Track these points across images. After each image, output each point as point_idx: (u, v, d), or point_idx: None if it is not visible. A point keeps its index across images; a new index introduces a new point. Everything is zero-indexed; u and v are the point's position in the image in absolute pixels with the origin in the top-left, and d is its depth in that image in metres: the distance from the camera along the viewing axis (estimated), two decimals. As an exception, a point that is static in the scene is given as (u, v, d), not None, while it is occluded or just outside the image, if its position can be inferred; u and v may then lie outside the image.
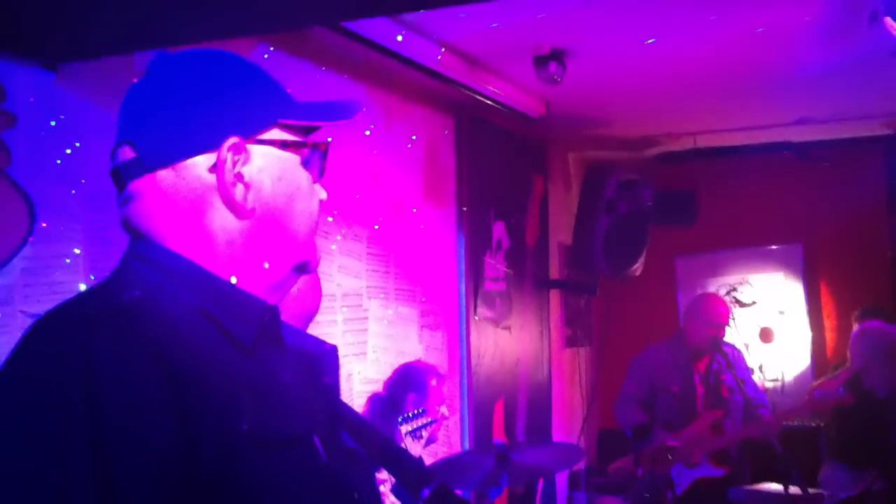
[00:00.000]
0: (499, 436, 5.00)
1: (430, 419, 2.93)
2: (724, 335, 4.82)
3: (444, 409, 3.61)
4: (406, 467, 1.36)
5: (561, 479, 5.91)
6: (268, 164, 1.20)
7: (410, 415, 2.91)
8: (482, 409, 4.92)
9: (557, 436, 5.90)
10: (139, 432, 0.99)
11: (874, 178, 5.84)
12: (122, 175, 1.18)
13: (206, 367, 1.08)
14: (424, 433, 2.88)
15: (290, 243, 1.22)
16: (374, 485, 1.35)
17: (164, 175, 1.16)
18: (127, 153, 1.18)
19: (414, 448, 2.79)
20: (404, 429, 2.82)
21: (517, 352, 5.42)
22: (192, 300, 1.14)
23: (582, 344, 6.47)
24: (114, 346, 1.02)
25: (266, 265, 1.20)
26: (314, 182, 1.27)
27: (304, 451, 1.17)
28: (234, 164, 1.17)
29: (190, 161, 1.16)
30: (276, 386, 1.18)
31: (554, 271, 6.06)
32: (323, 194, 1.30)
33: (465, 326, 4.87)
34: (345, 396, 3.92)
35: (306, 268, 1.26)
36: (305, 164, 1.24)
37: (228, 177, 1.16)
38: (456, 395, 4.80)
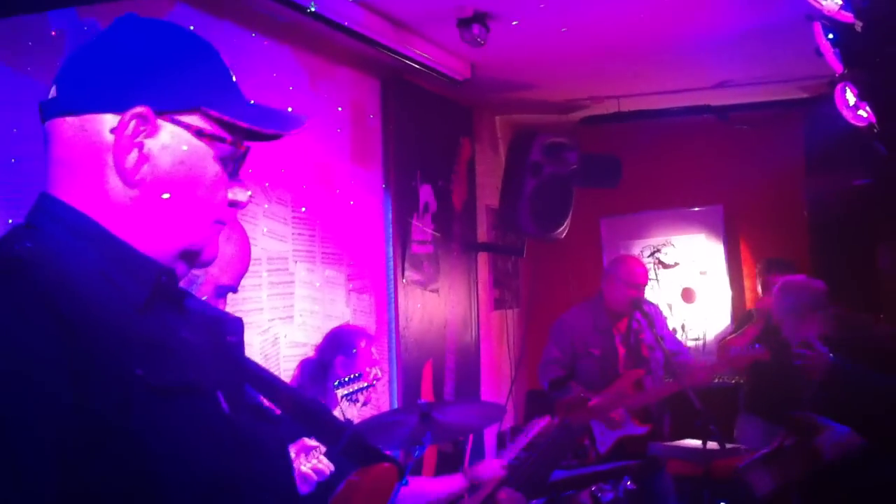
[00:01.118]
0: (427, 397, 5.04)
1: (365, 383, 2.94)
2: (642, 295, 4.92)
3: (376, 371, 3.63)
4: (319, 421, 1.38)
5: (490, 439, 6.00)
6: (174, 144, 1.20)
7: (346, 379, 2.91)
8: (410, 371, 4.96)
9: (486, 397, 5.98)
10: (28, 378, 0.99)
11: (792, 141, 6.00)
12: (42, 112, 1.20)
13: (99, 319, 1.08)
14: (361, 396, 2.89)
15: (178, 228, 1.22)
16: (282, 442, 1.36)
17: (71, 123, 1.17)
18: (52, 92, 1.20)
19: (350, 411, 2.80)
20: (340, 392, 2.83)
21: (445, 314, 5.46)
22: (88, 256, 1.15)
23: (510, 306, 6.55)
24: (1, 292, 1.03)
25: (151, 241, 1.20)
26: (226, 178, 1.27)
27: (204, 402, 1.18)
28: (137, 133, 1.17)
29: (97, 117, 1.17)
30: (173, 340, 1.19)
31: (482, 234, 6.12)
32: (242, 196, 1.30)
33: (392, 289, 4.89)
34: (272, 360, 3.92)
35: (195, 259, 1.27)
36: (220, 159, 1.24)
37: (125, 142, 1.16)
38: (384, 358, 4.83)
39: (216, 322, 1.33)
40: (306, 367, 3.47)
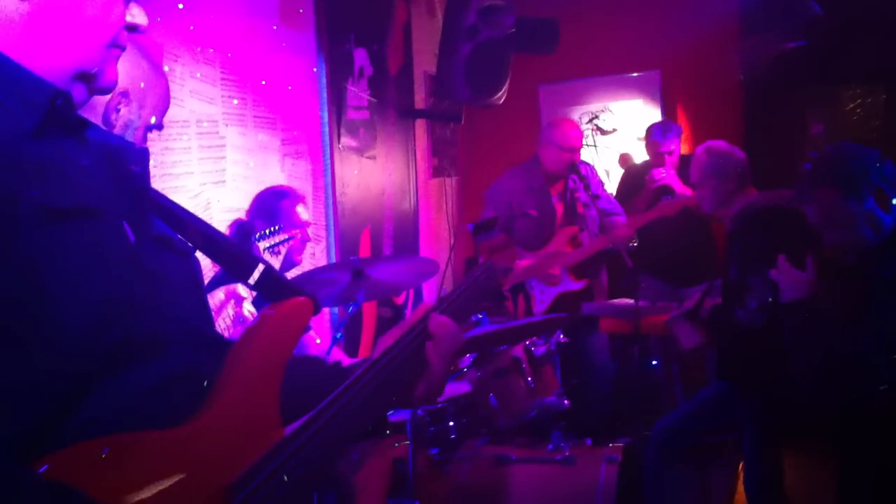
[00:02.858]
0: (365, 262, 5.07)
1: (287, 235, 2.93)
2: (578, 158, 4.95)
3: (304, 231, 3.63)
4: (230, 255, 1.37)
5: (430, 298, 6.09)
6: None
7: (267, 231, 2.90)
8: (348, 237, 4.97)
9: (425, 263, 6.04)
10: None
11: (728, 2, 5.94)
12: None
13: None
14: (283, 248, 2.89)
15: (71, 46, 1.18)
16: (192, 272, 1.36)
17: None
18: None
19: (273, 264, 2.80)
20: (262, 245, 2.82)
21: (382, 181, 5.45)
22: None
23: (448, 174, 6.55)
24: None
25: (44, 60, 1.16)
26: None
27: (104, 228, 1.16)
28: None
29: None
30: (70, 165, 1.16)
31: (419, 101, 6.04)
32: (141, 18, 1.25)
33: (328, 155, 4.84)
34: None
35: (93, 82, 1.22)
36: None
37: None
38: (322, 225, 4.82)
39: (119, 151, 1.30)
40: (235, 227, 3.46)
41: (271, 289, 1.35)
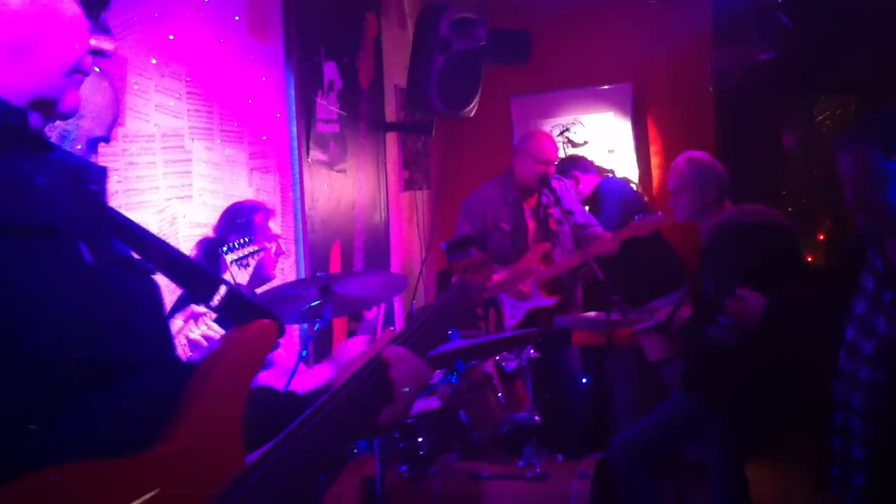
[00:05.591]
0: (336, 277, 5.01)
1: (256, 248, 2.86)
2: (552, 171, 4.93)
3: (278, 245, 3.57)
4: (192, 275, 1.33)
5: (401, 317, 6.04)
6: None
7: (236, 244, 2.84)
8: (318, 252, 4.92)
9: (397, 277, 5.99)
10: None
11: (700, 15, 5.96)
12: None
13: None
14: (252, 261, 2.82)
15: (28, 72, 1.15)
16: (153, 293, 1.31)
17: None
18: None
19: (241, 277, 2.73)
20: (229, 258, 2.75)
21: (353, 195, 5.40)
22: None
23: (420, 187, 6.51)
24: None
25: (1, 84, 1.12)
26: (86, 22, 1.18)
27: (61, 246, 1.13)
28: None
29: None
30: (25, 184, 1.12)
31: (390, 113, 6.01)
32: (107, 44, 1.22)
33: (297, 169, 4.79)
34: (171, 240, 3.81)
35: (50, 109, 1.19)
36: None
37: None
38: (291, 239, 4.77)
39: (78, 170, 1.25)
40: (203, 245, 3.40)
41: (235, 311, 1.31)
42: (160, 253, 1.31)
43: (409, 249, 6.32)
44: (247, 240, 2.87)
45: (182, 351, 2.32)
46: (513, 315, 4.87)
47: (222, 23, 4.17)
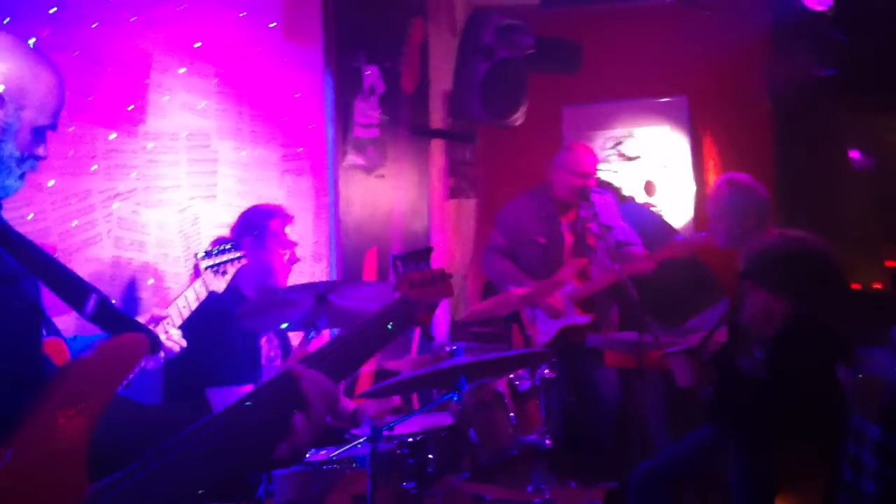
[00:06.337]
0: (369, 284, 4.94)
1: (236, 255, 2.77)
2: (591, 184, 4.77)
3: (293, 252, 3.50)
4: (63, 281, 1.25)
5: (441, 328, 5.92)
6: None
7: (214, 250, 2.75)
8: (351, 258, 4.85)
9: (436, 286, 5.88)
10: None
11: (759, 25, 5.73)
12: None
13: None
14: (230, 268, 2.73)
15: None
16: (28, 302, 1.24)
17: None
18: None
19: (216, 284, 2.64)
20: (204, 264, 2.65)
21: (392, 201, 5.32)
22: None
23: (467, 195, 6.40)
24: None
25: None
26: None
27: None
28: None
29: None
30: None
31: (437, 120, 5.92)
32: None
33: (332, 172, 4.73)
34: (193, 240, 3.78)
35: None
36: None
37: None
38: (324, 243, 4.71)
39: None
40: (215, 245, 3.35)
41: (109, 321, 1.22)
42: (29, 256, 1.23)
43: (451, 259, 6.21)
44: (228, 247, 2.78)
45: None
46: (545, 331, 4.72)
47: (256, 23, 4.13)
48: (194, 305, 2.51)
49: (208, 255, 2.71)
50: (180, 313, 2.43)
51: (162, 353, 2.22)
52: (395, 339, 1.57)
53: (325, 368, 1.33)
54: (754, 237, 3.72)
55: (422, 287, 1.76)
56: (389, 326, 1.54)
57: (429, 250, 1.77)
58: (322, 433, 1.34)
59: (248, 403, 1.24)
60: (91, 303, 1.23)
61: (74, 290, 1.26)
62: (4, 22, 2.58)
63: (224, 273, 2.68)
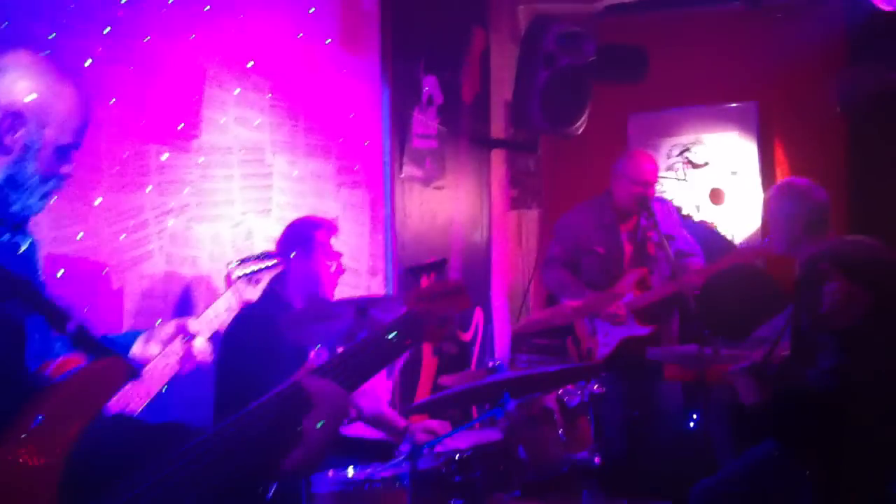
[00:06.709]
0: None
1: (270, 261, 2.72)
2: (652, 193, 4.67)
3: (339, 263, 3.48)
4: (44, 302, 1.25)
5: (502, 340, 5.87)
6: None
7: (247, 258, 2.71)
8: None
9: (497, 299, 5.84)
10: None
11: (831, 30, 5.54)
12: None
13: None
14: (264, 277, 2.70)
15: None
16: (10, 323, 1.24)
17: None
18: None
19: (249, 293, 2.61)
20: (236, 273, 2.61)
21: (450, 212, 5.29)
22: None
23: (529, 206, 6.33)
24: None
25: None
26: None
27: None
28: None
29: None
30: None
31: (498, 130, 5.88)
32: None
33: (388, 184, 4.72)
34: (246, 254, 3.80)
35: None
36: None
37: None
38: (380, 255, 4.70)
39: None
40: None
41: (85, 345, 1.22)
42: (10, 281, 1.23)
43: (513, 270, 6.15)
44: (261, 254, 2.75)
45: (165, 365, 2.21)
46: (606, 342, 4.63)
47: (311, 32, 4.14)
48: (225, 316, 2.49)
49: (242, 262, 2.67)
50: (210, 324, 2.41)
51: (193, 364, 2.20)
52: (404, 353, 1.55)
53: (335, 379, 1.33)
54: (811, 243, 3.58)
55: (430, 301, 1.71)
56: (390, 337, 1.52)
57: (444, 262, 1.74)
58: (333, 442, 1.34)
59: (257, 411, 1.23)
60: (71, 327, 1.23)
61: (57, 312, 1.26)
62: (50, 38, 2.62)
63: (258, 282, 2.66)
